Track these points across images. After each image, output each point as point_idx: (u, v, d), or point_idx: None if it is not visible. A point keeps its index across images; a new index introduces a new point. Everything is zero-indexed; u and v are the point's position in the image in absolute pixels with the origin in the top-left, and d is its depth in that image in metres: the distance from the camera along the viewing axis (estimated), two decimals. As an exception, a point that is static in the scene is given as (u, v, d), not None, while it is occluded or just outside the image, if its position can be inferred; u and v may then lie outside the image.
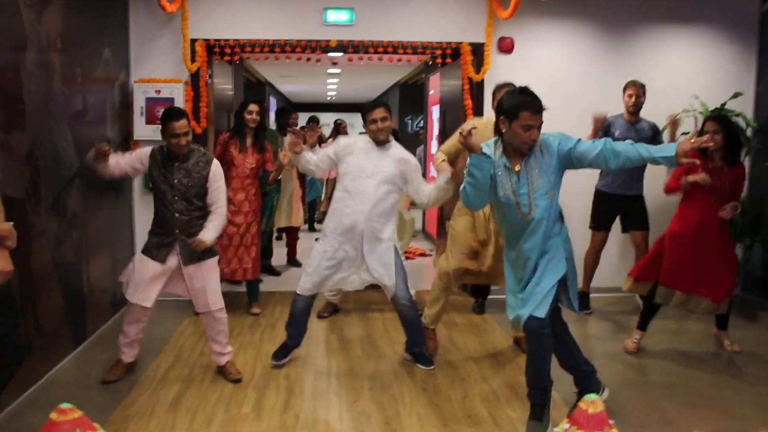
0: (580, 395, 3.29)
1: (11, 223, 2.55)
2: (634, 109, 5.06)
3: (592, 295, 5.47)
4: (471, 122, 4.06)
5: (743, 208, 5.45)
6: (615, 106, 5.16)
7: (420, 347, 4.08)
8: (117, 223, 5.18)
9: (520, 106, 2.92)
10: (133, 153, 3.82)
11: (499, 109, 3.07)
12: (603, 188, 5.21)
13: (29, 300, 3.57)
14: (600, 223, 5.26)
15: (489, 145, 3.10)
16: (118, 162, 3.76)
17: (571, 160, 3.01)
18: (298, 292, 3.99)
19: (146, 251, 3.74)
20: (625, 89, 5.11)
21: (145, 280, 3.70)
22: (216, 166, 3.75)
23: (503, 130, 3.02)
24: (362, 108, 3.94)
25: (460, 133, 2.97)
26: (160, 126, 3.69)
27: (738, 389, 3.78)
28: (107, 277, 4.87)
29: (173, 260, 3.70)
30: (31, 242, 3.58)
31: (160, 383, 3.74)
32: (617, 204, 5.15)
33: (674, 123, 4.73)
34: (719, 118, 4.18)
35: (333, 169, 4.07)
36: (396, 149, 3.93)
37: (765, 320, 5.26)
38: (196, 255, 3.69)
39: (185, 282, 3.76)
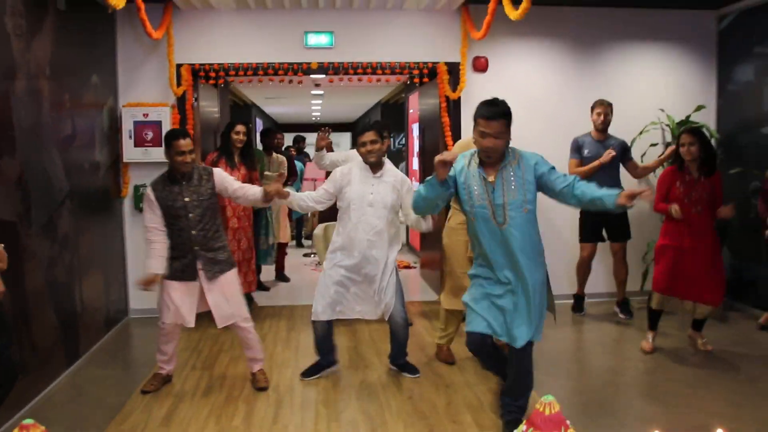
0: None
1: (2, 245, 2.63)
2: (603, 127, 5.23)
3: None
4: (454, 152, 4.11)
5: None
6: (586, 121, 5.34)
7: (403, 358, 4.20)
8: (108, 244, 5.28)
9: (477, 113, 3.02)
10: (147, 214, 3.80)
11: None
12: None
13: (23, 320, 3.66)
14: (587, 235, 5.43)
15: (465, 156, 3.17)
16: (160, 241, 3.77)
17: (541, 185, 3.09)
18: (312, 318, 4.09)
19: (173, 277, 3.80)
20: (593, 108, 5.28)
21: (178, 302, 3.80)
22: (218, 172, 3.87)
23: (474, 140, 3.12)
24: (355, 132, 4.04)
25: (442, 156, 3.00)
26: (163, 147, 3.81)
27: (712, 388, 3.92)
28: (100, 296, 4.96)
29: (198, 278, 3.80)
30: (23, 264, 3.68)
31: (153, 398, 3.83)
32: (601, 217, 5.27)
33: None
34: (693, 130, 4.35)
35: (319, 179, 4.19)
36: (390, 173, 3.99)
37: (735, 321, 5.42)
38: (216, 269, 3.80)
39: (206, 296, 3.84)
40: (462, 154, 3.19)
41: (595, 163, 5.11)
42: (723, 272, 4.47)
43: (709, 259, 4.33)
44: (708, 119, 6.01)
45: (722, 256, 4.51)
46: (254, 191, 3.83)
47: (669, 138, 5.86)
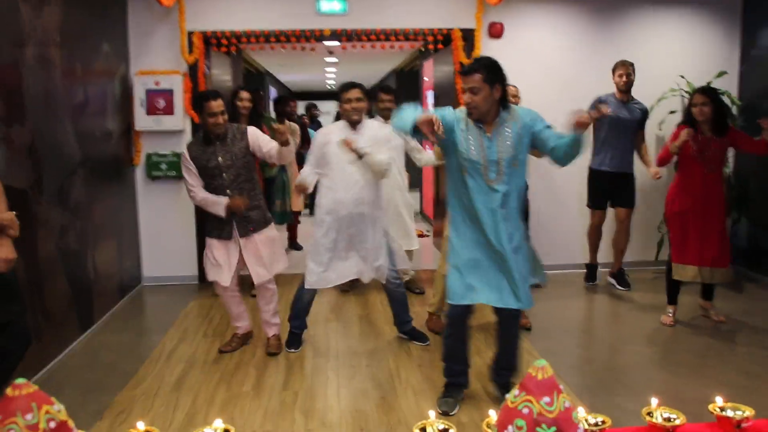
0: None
1: (14, 212, 2.65)
2: (626, 88, 5.13)
3: (574, 272, 5.58)
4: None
5: (729, 183, 5.56)
6: (605, 87, 5.23)
7: (409, 324, 4.20)
8: (121, 212, 5.31)
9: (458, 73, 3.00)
10: (186, 176, 3.86)
11: None
12: (595, 166, 5.31)
13: (36, 287, 3.70)
14: (596, 201, 5.36)
15: (462, 110, 3.12)
16: (201, 191, 3.83)
17: (535, 140, 3.05)
18: (305, 286, 4.04)
19: (210, 234, 3.91)
20: (614, 69, 5.18)
21: (220, 260, 3.87)
22: (252, 131, 3.88)
23: None
24: (338, 89, 4.00)
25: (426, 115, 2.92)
26: (157, 117, 3.81)
27: (723, 358, 3.89)
28: (113, 264, 5.01)
29: (236, 236, 3.85)
30: (36, 232, 3.71)
31: (165, 364, 3.88)
32: (609, 181, 5.24)
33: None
34: (706, 90, 4.27)
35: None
36: (370, 128, 3.95)
37: (750, 291, 5.37)
38: (249, 227, 3.85)
39: (243, 254, 3.89)
40: (460, 109, 3.15)
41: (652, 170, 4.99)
42: (727, 234, 4.45)
43: (720, 220, 4.31)
44: (730, 86, 5.86)
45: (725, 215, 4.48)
46: (289, 149, 3.81)
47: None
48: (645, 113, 5.23)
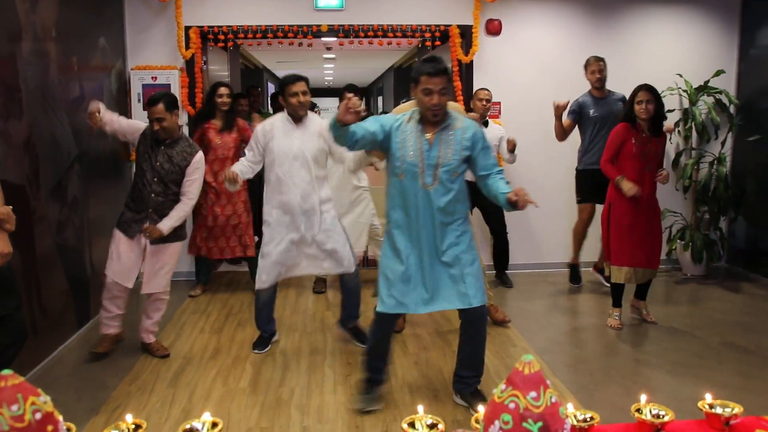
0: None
1: (10, 207, 2.65)
2: (600, 84, 5.12)
3: (565, 270, 5.58)
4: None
5: (726, 183, 5.56)
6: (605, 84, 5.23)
7: (355, 321, 4.13)
8: (118, 207, 5.26)
9: (419, 71, 2.92)
10: (132, 121, 3.95)
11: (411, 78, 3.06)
12: (581, 167, 5.28)
13: (33, 282, 3.70)
14: (586, 196, 5.29)
15: (406, 114, 3.07)
16: (118, 121, 3.88)
17: (471, 155, 2.99)
18: (257, 286, 3.94)
19: (119, 225, 3.86)
20: (586, 67, 5.16)
21: (123, 257, 3.80)
22: (198, 159, 3.82)
23: (414, 98, 3.04)
24: (282, 80, 3.86)
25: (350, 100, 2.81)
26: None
27: (721, 358, 3.90)
28: (109, 259, 5.00)
29: (141, 238, 3.81)
30: (32, 227, 3.71)
31: (162, 360, 3.88)
32: (598, 178, 5.19)
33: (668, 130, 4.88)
34: (650, 87, 4.21)
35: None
36: (314, 122, 3.86)
37: (748, 291, 5.38)
38: (164, 236, 3.79)
39: (145, 257, 3.84)
40: (404, 112, 3.11)
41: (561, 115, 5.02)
42: (661, 237, 4.47)
43: (655, 222, 4.32)
44: (728, 85, 5.87)
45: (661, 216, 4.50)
46: (176, 214, 3.78)
47: (686, 104, 5.73)
48: (624, 101, 5.17)
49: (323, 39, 5.97)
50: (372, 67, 14.54)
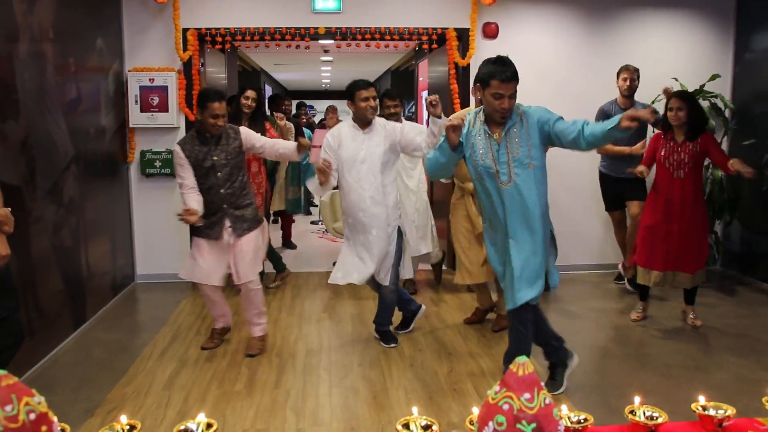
0: (552, 368, 3.44)
1: (8, 209, 2.65)
2: (629, 93, 5.09)
3: (570, 273, 5.58)
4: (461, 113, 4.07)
5: (722, 186, 5.58)
6: (597, 88, 5.25)
7: (386, 327, 4.21)
8: (115, 209, 5.30)
9: (491, 74, 2.96)
10: (178, 171, 3.84)
11: (475, 78, 3.13)
12: (604, 170, 5.29)
13: (29, 284, 3.70)
14: (611, 204, 5.34)
15: (470, 114, 3.17)
16: (192, 192, 3.81)
17: (550, 137, 3.04)
18: (329, 281, 4.08)
19: (199, 234, 3.89)
20: (619, 73, 5.14)
21: (207, 259, 3.86)
22: (244, 131, 3.90)
23: (479, 98, 3.10)
24: (352, 85, 3.92)
25: (450, 120, 3.03)
26: (151, 114, 3.82)
27: (715, 361, 3.91)
28: (106, 261, 5.01)
29: (226, 236, 3.85)
30: (29, 228, 3.70)
31: (157, 362, 3.88)
32: (620, 184, 5.18)
33: (668, 93, 4.84)
34: (683, 94, 4.30)
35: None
36: (378, 125, 3.95)
37: (743, 294, 5.39)
38: (245, 227, 3.86)
39: (232, 252, 3.88)
40: (470, 112, 3.20)
41: (625, 150, 4.98)
42: (706, 240, 4.46)
43: (695, 225, 4.31)
44: (723, 89, 5.89)
45: (707, 223, 4.50)
46: (285, 144, 3.89)
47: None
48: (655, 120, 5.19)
49: (321, 41, 5.98)
50: (369, 70, 14.55)
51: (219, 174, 3.80)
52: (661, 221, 4.31)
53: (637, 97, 5.23)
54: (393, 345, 4.13)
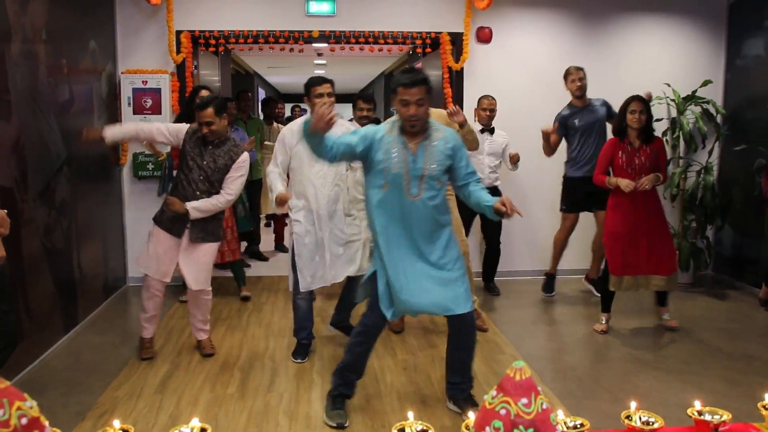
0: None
1: (4, 210, 2.63)
2: (580, 93, 5.12)
3: (559, 278, 5.59)
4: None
5: (713, 191, 5.60)
6: (590, 93, 5.25)
7: (346, 322, 4.21)
8: (107, 212, 5.27)
9: (396, 82, 2.91)
10: (169, 125, 3.89)
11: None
12: (570, 174, 5.27)
13: (20, 286, 3.66)
14: (570, 205, 5.30)
15: (387, 123, 3.07)
16: (141, 127, 3.84)
17: (452, 165, 3.00)
18: (294, 293, 3.94)
19: (160, 223, 3.83)
20: (566, 76, 5.17)
21: (161, 253, 3.81)
22: (244, 159, 3.84)
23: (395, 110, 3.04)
24: (307, 82, 3.87)
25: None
26: (143, 116, 3.79)
27: (707, 364, 3.92)
28: (98, 264, 4.97)
29: (185, 236, 3.82)
30: (20, 230, 3.67)
31: (149, 365, 3.85)
32: (585, 187, 5.16)
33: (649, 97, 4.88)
34: (641, 98, 4.31)
35: None
36: (340, 126, 3.83)
37: (734, 298, 5.42)
38: (202, 235, 3.82)
39: (184, 256, 3.84)
40: (385, 121, 3.13)
41: (550, 136, 5.07)
42: (672, 240, 4.49)
43: (660, 228, 4.34)
44: (715, 94, 5.92)
45: (668, 222, 4.51)
46: (209, 202, 3.77)
47: (674, 114, 5.77)
48: (606, 106, 5.19)
49: (314, 45, 5.98)
50: (363, 74, 14.57)
51: (201, 177, 3.78)
52: (628, 226, 4.30)
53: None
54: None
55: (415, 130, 2.95)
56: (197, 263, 3.85)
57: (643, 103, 4.27)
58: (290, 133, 3.89)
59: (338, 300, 4.26)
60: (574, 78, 5.11)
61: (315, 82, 3.81)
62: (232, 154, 3.82)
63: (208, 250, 3.89)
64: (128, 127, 3.93)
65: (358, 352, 3.17)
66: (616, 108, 4.55)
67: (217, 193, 3.82)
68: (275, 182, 3.86)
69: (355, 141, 2.97)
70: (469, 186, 3.01)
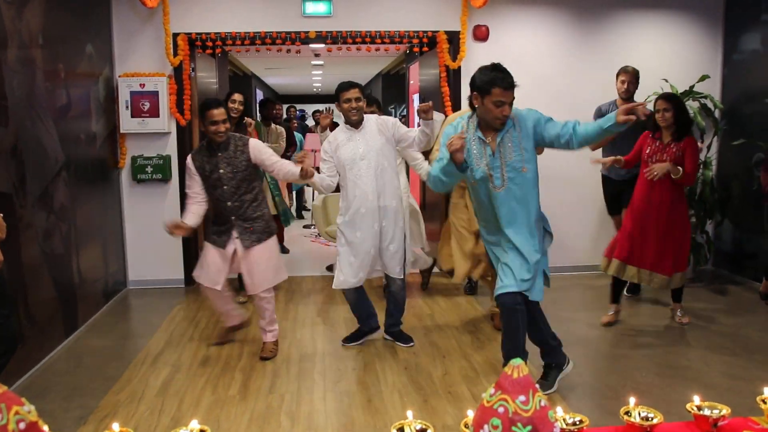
0: (546, 368, 3.44)
1: (0, 214, 2.63)
2: (626, 96, 5.07)
3: (568, 274, 5.59)
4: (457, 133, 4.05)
5: (712, 186, 5.60)
6: (588, 90, 5.26)
7: (398, 327, 4.23)
8: (106, 215, 5.27)
9: (492, 82, 2.97)
10: (187, 181, 3.94)
11: (471, 85, 3.11)
12: (605, 173, 5.28)
13: (20, 291, 3.67)
14: (613, 208, 5.33)
15: (462, 119, 3.18)
16: (196, 207, 3.90)
17: (543, 138, 3.08)
18: (343, 288, 4.09)
19: (209, 239, 3.95)
20: (618, 75, 5.13)
21: (210, 264, 3.89)
22: (253, 144, 3.87)
23: (476, 105, 3.09)
24: (337, 87, 4.00)
25: (451, 143, 2.97)
26: (141, 119, 3.81)
27: (708, 360, 3.92)
28: (98, 267, 4.98)
29: (232, 246, 3.86)
30: (19, 235, 3.68)
31: (150, 368, 3.86)
32: (619, 187, 5.17)
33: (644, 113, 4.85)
34: (669, 96, 4.35)
35: (318, 150, 4.15)
36: (370, 122, 4.00)
37: (734, 294, 5.42)
38: (253, 239, 3.85)
39: (241, 264, 3.91)
40: (459, 118, 3.20)
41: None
42: (687, 242, 4.43)
43: (673, 227, 4.31)
44: (712, 89, 5.92)
45: (689, 224, 4.47)
46: (290, 168, 3.82)
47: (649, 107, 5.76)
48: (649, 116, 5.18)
49: (311, 45, 5.98)
50: (360, 73, 14.58)
51: (225, 187, 3.80)
52: (639, 219, 4.31)
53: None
54: (411, 344, 4.15)
55: (503, 127, 3.06)
56: (251, 267, 3.88)
57: (668, 101, 4.29)
58: (328, 144, 4.01)
59: (386, 304, 4.29)
60: (624, 79, 5.05)
61: (343, 87, 3.94)
62: (241, 147, 3.84)
63: (266, 250, 3.91)
64: (192, 210, 3.90)
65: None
66: None
67: (247, 193, 3.85)
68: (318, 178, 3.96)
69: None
70: (575, 133, 3.03)
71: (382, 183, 3.93)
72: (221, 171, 3.78)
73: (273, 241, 3.98)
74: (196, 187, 3.86)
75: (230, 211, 3.83)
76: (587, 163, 4.95)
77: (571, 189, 5.78)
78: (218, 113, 3.73)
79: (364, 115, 4.01)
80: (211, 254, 3.91)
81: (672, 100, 4.29)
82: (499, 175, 3.06)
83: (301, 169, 3.68)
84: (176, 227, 3.76)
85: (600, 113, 5.11)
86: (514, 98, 3.02)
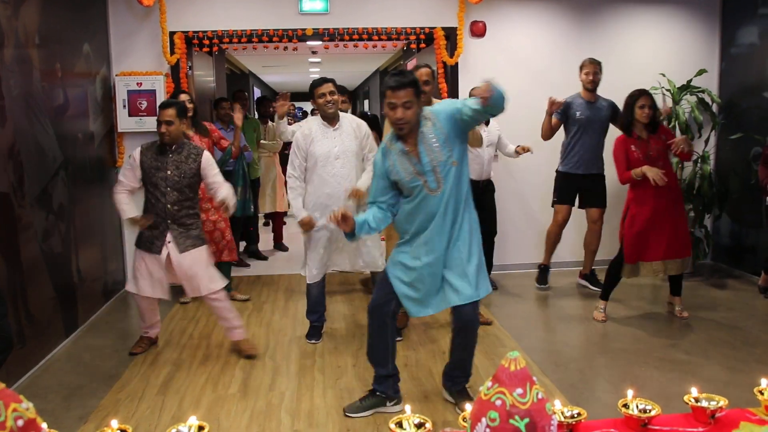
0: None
1: None
2: (592, 87, 5.11)
3: (558, 270, 5.59)
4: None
5: (711, 180, 5.62)
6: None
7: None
8: (105, 215, 5.26)
9: (384, 85, 2.87)
10: (125, 170, 3.91)
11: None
12: (564, 170, 5.24)
13: (19, 291, 3.67)
14: (563, 197, 5.26)
15: (386, 139, 3.05)
16: (130, 189, 3.89)
17: (461, 123, 2.90)
18: (308, 282, 4.19)
19: (140, 244, 3.88)
20: (581, 67, 5.15)
21: (148, 273, 3.85)
22: (207, 156, 3.87)
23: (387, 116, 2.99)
24: (311, 83, 4.03)
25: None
26: (139, 118, 3.81)
27: (707, 354, 3.93)
28: (97, 267, 4.98)
29: (165, 251, 3.82)
30: (18, 235, 3.67)
31: (151, 367, 3.86)
32: (579, 182, 5.18)
33: (667, 113, 4.95)
34: (648, 92, 4.38)
35: None
36: (346, 121, 4.04)
37: (733, 287, 5.42)
38: (188, 243, 3.82)
39: (175, 269, 3.87)
40: (386, 138, 3.07)
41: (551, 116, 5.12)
42: (687, 224, 4.56)
43: (677, 213, 4.40)
44: (710, 84, 5.92)
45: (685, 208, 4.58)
46: (224, 193, 3.77)
47: (670, 104, 5.77)
48: (613, 108, 5.14)
49: (308, 43, 5.98)
50: (358, 71, 14.55)
51: (168, 189, 3.78)
52: (652, 215, 4.32)
53: (623, 93, 5.23)
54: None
55: (403, 132, 2.90)
56: (193, 272, 3.84)
57: (650, 97, 4.33)
58: (302, 136, 4.02)
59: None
60: (589, 71, 5.09)
61: (316, 83, 4.00)
62: (194, 155, 3.83)
63: (196, 255, 3.87)
64: (120, 199, 3.88)
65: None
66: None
67: (188, 200, 3.85)
68: (296, 203, 4.03)
69: (387, 181, 3.02)
70: (476, 104, 2.82)
71: (352, 184, 3.99)
72: (168, 172, 3.78)
73: (207, 249, 3.95)
74: (131, 178, 3.84)
75: (168, 215, 3.79)
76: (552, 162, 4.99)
77: (548, 187, 5.69)
78: (164, 113, 3.75)
79: (340, 114, 4.05)
80: (146, 262, 3.85)
81: (652, 97, 4.37)
82: (432, 178, 2.90)
83: (221, 201, 3.73)
84: (143, 220, 3.79)
85: (565, 104, 5.11)
86: (410, 100, 2.81)
